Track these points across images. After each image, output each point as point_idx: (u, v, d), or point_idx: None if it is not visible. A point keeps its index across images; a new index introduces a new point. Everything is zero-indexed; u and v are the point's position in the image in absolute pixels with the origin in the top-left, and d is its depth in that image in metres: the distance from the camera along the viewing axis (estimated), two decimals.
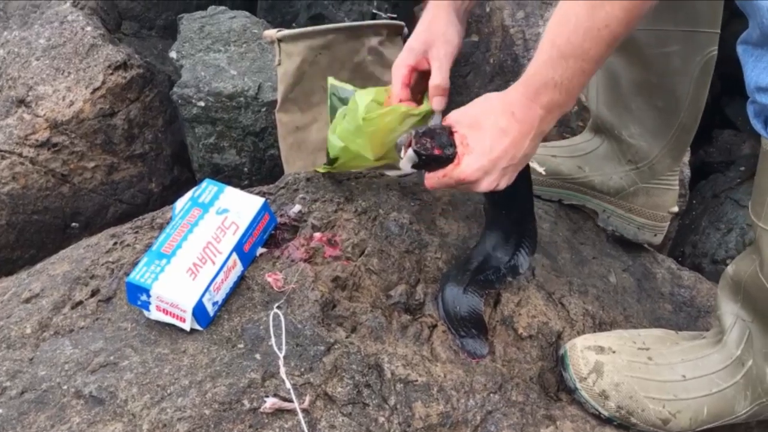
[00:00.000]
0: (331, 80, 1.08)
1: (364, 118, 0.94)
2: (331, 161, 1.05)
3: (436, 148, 0.88)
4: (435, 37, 0.97)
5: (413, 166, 0.91)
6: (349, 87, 1.04)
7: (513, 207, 1.00)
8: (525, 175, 0.95)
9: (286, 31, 1.30)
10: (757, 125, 0.76)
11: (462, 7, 1.01)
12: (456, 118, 0.89)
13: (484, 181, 0.86)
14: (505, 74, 1.63)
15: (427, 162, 0.89)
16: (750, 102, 0.76)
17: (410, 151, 0.89)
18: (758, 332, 0.88)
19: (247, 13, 1.78)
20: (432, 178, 0.90)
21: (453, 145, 0.88)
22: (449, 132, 0.89)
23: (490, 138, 0.84)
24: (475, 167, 0.85)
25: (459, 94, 1.71)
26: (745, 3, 0.69)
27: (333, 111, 1.07)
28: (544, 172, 1.18)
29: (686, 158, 1.56)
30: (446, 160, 0.88)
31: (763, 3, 0.67)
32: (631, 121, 1.11)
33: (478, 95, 1.65)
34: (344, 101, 1.04)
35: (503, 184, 0.88)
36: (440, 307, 0.96)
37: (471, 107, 0.89)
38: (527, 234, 1.01)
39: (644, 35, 1.02)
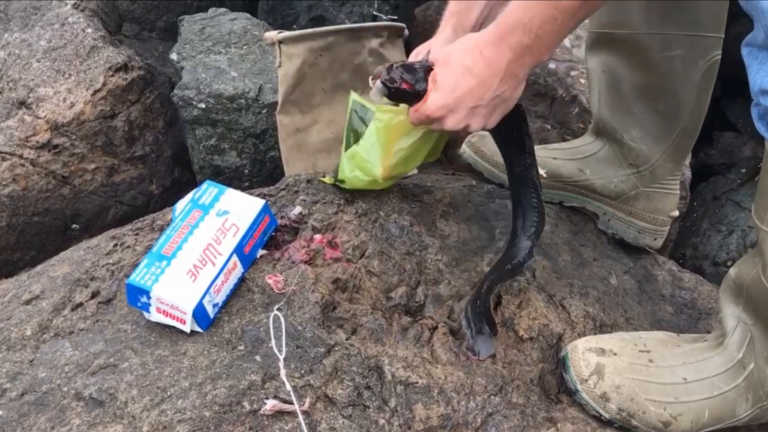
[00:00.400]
0: (354, 96, 1.08)
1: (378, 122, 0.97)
2: (339, 181, 1.06)
3: (405, 82, 0.89)
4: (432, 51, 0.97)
5: (387, 97, 0.93)
6: (371, 107, 1.04)
7: (511, 160, 1.02)
8: (517, 123, 0.97)
9: (286, 33, 1.30)
10: (761, 128, 0.76)
11: (466, 24, 1.01)
12: (435, 54, 0.91)
13: (449, 119, 0.88)
14: None
15: (397, 95, 0.91)
16: (754, 104, 0.75)
17: (378, 82, 0.91)
18: (760, 335, 0.87)
19: (248, 15, 1.78)
20: (410, 114, 0.92)
21: (426, 81, 0.89)
22: (427, 69, 0.90)
23: (455, 75, 0.86)
24: (439, 104, 0.87)
25: None
26: (750, 5, 0.69)
27: (350, 128, 1.07)
28: (545, 174, 1.18)
29: (687, 160, 1.56)
30: (415, 95, 0.90)
31: (765, 7, 0.67)
32: (632, 125, 1.11)
33: None
34: (365, 121, 1.05)
35: (476, 125, 0.89)
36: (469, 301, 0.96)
37: (451, 45, 0.90)
38: (533, 190, 1.01)
39: (648, 39, 1.02)
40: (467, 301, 0.97)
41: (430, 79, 0.89)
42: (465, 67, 0.85)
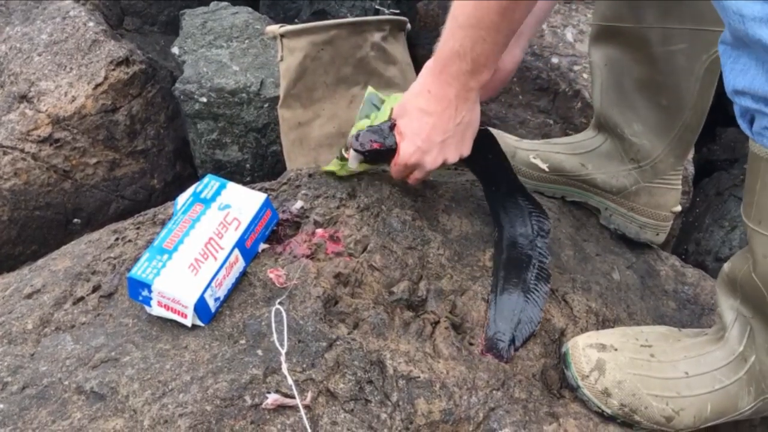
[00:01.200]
0: (370, 88, 1.11)
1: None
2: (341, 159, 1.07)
3: (375, 143, 0.97)
4: None
5: (365, 162, 1.01)
6: (384, 97, 1.08)
7: (496, 181, 1.07)
8: (489, 146, 1.05)
9: (288, 27, 1.30)
10: (743, 125, 0.76)
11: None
12: (395, 110, 0.98)
13: (425, 160, 0.94)
14: None
15: (372, 157, 0.99)
16: (734, 103, 0.75)
17: (351, 151, 0.99)
18: (759, 328, 0.87)
19: (250, 9, 1.77)
20: (392, 170, 1.00)
21: (393, 135, 0.96)
22: (392, 126, 0.97)
23: (415, 120, 0.93)
24: (411, 150, 0.94)
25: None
26: (717, 3, 0.69)
27: (361, 116, 1.08)
28: (546, 168, 1.18)
29: (690, 155, 1.56)
30: (388, 151, 0.97)
31: (729, 4, 0.66)
32: (634, 119, 1.10)
33: (490, 97, 1.65)
34: (378, 107, 1.08)
35: (452, 156, 0.95)
36: (494, 316, 0.96)
37: (403, 95, 0.97)
38: (523, 197, 1.06)
39: (650, 32, 1.02)
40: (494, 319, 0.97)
41: (396, 132, 0.96)
42: (420, 109, 0.92)
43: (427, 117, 0.92)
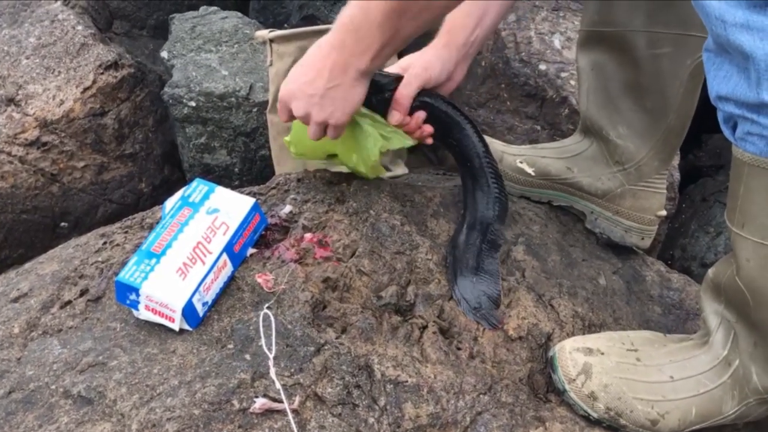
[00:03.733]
0: None
1: None
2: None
3: None
4: (414, 60, 1.04)
5: None
6: None
7: (464, 158, 1.08)
8: (457, 124, 1.07)
9: (278, 32, 1.30)
10: (726, 131, 0.77)
11: (459, 41, 1.04)
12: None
13: (294, 106, 0.97)
14: (496, 77, 1.63)
15: None
16: (717, 109, 0.76)
17: None
18: (743, 332, 0.88)
19: (239, 14, 1.78)
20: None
21: None
22: None
23: (297, 67, 0.97)
24: (284, 92, 0.98)
25: (450, 96, 1.72)
26: (698, 6, 0.70)
27: None
28: (533, 173, 1.19)
29: (675, 162, 1.57)
30: None
31: (711, 11, 0.68)
32: (619, 122, 1.11)
33: (469, 97, 1.67)
34: None
35: (317, 115, 0.96)
36: (459, 297, 1.00)
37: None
38: (494, 178, 1.07)
39: (636, 37, 1.03)
40: (461, 299, 0.99)
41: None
42: (305, 61, 0.96)
43: (304, 68, 0.95)
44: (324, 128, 0.98)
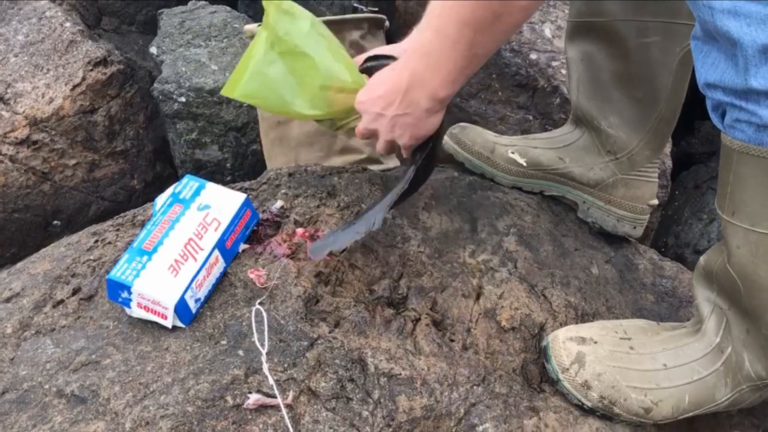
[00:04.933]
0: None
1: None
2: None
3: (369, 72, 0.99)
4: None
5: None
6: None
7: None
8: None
9: None
10: (715, 119, 0.77)
11: None
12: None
13: (364, 116, 0.96)
14: (487, 67, 1.63)
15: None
16: (706, 97, 0.76)
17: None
18: (735, 319, 0.89)
19: (228, 8, 1.77)
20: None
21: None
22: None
23: (375, 80, 0.95)
24: (359, 99, 0.95)
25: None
26: None
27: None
28: (524, 163, 1.19)
29: (668, 149, 1.57)
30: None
31: None
32: (610, 112, 1.12)
33: (470, 94, 1.66)
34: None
35: (382, 134, 0.95)
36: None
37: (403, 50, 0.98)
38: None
39: (624, 26, 1.03)
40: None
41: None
42: (384, 75, 0.93)
43: (381, 86, 0.92)
44: (392, 145, 0.98)
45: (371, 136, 0.98)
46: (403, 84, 0.89)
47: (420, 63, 0.87)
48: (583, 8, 1.07)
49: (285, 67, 0.96)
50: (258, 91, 0.96)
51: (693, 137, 2.11)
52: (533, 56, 1.58)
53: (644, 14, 1.01)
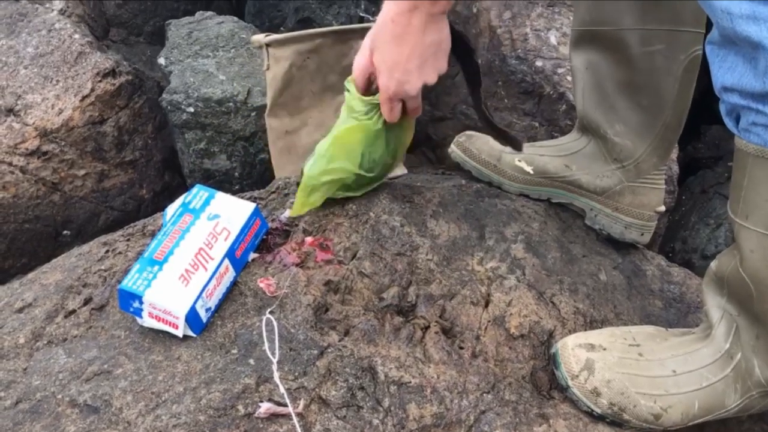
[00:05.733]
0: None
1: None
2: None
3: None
4: None
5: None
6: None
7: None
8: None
9: (273, 36, 1.31)
10: (729, 123, 0.78)
11: None
12: (369, 46, 0.97)
13: (408, 88, 0.94)
14: (493, 74, 1.64)
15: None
16: (720, 101, 0.77)
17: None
18: (745, 325, 0.89)
19: (235, 18, 1.78)
20: (383, 111, 0.99)
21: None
22: None
23: (387, 53, 0.93)
24: (391, 84, 0.94)
25: (447, 94, 1.72)
26: (705, 4, 0.71)
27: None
28: (531, 171, 1.19)
29: (674, 155, 1.57)
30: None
31: (717, 4, 0.68)
32: (616, 120, 1.12)
33: (467, 96, 1.67)
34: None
35: (431, 77, 0.94)
36: None
37: (371, 29, 0.96)
38: None
39: (629, 35, 1.03)
40: None
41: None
42: (388, 42, 0.91)
43: (396, 47, 0.91)
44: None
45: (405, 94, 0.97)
46: (415, 20, 0.88)
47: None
48: (587, 17, 1.08)
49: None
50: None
51: (699, 142, 2.11)
52: (539, 63, 1.59)
53: (648, 23, 1.02)
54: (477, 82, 1.07)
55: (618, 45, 1.05)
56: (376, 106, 1.00)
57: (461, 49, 1.02)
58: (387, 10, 0.90)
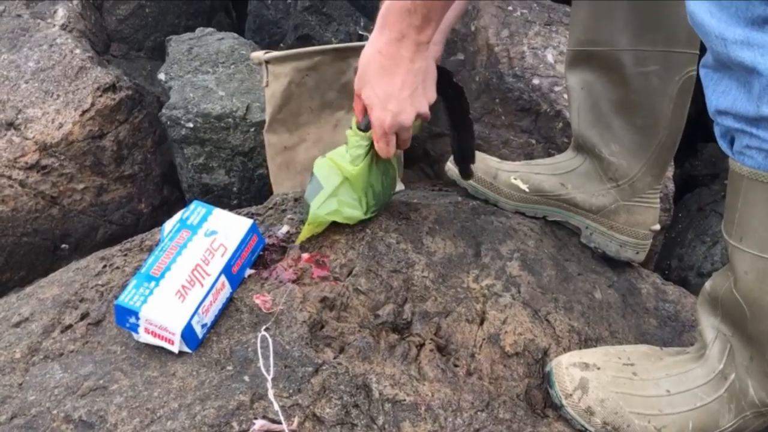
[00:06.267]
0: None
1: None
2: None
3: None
4: None
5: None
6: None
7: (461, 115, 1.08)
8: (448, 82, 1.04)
9: (273, 53, 1.32)
10: (723, 145, 0.78)
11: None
12: (356, 84, 0.98)
13: (403, 118, 0.95)
14: (490, 92, 1.65)
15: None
16: (715, 123, 0.78)
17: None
18: (739, 346, 0.89)
19: (235, 35, 1.79)
20: (377, 147, 1.00)
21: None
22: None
23: (377, 86, 0.93)
24: (385, 117, 0.94)
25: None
26: (698, 28, 0.72)
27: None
28: (527, 189, 1.20)
29: (670, 173, 1.58)
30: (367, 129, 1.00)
31: (711, 29, 0.69)
32: (611, 140, 1.13)
33: (473, 118, 1.68)
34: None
35: (423, 106, 0.96)
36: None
37: (358, 64, 0.96)
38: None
39: (624, 55, 1.05)
40: None
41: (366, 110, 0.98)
42: (378, 74, 0.92)
43: (387, 78, 0.92)
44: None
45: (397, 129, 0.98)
46: (403, 50, 0.90)
47: (412, 19, 0.88)
48: (583, 37, 1.09)
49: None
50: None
51: (696, 159, 2.12)
52: (536, 81, 1.60)
53: (643, 43, 1.03)
54: (466, 125, 1.08)
55: (613, 65, 1.06)
56: (371, 144, 1.02)
57: (450, 93, 1.04)
58: (374, 42, 0.92)
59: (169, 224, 1.00)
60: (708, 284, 0.93)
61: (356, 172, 1.02)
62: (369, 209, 1.07)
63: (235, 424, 0.79)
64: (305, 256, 1.02)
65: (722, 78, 0.74)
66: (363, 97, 0.96)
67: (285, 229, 1.06)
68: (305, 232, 1.04)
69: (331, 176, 1.04)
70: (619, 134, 1.12)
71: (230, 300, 0.95)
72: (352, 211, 1.04)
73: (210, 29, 1.80)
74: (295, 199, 1.14)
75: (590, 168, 1.18)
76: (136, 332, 0.88)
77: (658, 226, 1.20)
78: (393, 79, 0.92)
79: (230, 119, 1.55)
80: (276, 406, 0.80)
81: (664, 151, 1.12)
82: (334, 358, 0.89)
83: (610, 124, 1.12)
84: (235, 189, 1.61)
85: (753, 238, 0.80)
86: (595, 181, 1.18)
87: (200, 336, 0.89)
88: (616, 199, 1.17)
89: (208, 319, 0.90)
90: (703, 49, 1.04)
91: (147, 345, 0.89)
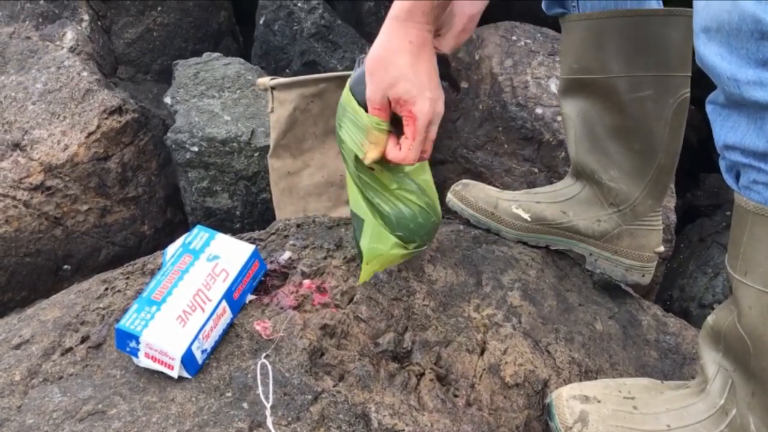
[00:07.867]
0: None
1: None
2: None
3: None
4: None
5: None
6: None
7: None
8: None
9: (279, 80, 1.33)
10: (729, 180, 0.79)
11: None
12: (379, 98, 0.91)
13: (440, 104, 0.90)
14: (494, 120, 1.66)
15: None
16: (721, 158, 0.78)
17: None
18: (741, 381, 0.88)
19: (241, 60, 1.81)
20: (408, 147, 0.91)
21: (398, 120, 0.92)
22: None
23: (414, 78, 0.87)
24: (428, 106, 0.88)
25: (449, 138, 1.75)
26: (709, 69, 0.73)
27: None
28: (529, 218, 1.20)
29: (672, 203, 1.59)
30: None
31: (723, 72, 0.70)
32: (610, 166, 1.14)
33: (467, 140, 1.69)
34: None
35: (441, 91, 0.92)
36: None
37: (373, 76, 0.90)
38: None
39: (618, 82, 1.06)
40: None
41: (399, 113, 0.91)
42: (411, 66, 0.87)
43: (421, 66, 0.87)
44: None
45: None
46: (420, 39, 0.87)
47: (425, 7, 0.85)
48: (575, 65, 1.10)
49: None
50: None
51: (698, 189, 2.12)
52: (539, 111, 1.61)
53: (636, 69, 1.04)
54: None
55: (607, 92, 1.07)
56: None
57: None
58: (397, 36, 0.87)
59: (172, 248, 1.01)
60: (710, 318, 0.93)
61: (410, 216, 0.98)
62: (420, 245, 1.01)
63: None
64: (307, 282, 1.02)
65: (731, 114, 0.75)
66: (399, 94, 0.88)
67: (287, 255, 1.07)
68: (364, 271, 0.99)
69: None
70: (617, 159, 1.13)
71: (231, 326, 0.95)
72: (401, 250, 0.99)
73: (217, 54, 1.82)
74: (298, 225, 1.14)
75: (590, 194, 1.19)
76: (136, 356, 0.88)
77: (662, 248, 1.20)
78: (425, 65, 0.88)
79: (235, 144, 1.56)
80: None
81: (663, 173, 1.13)
82: (334, 386, 0.89)
83: (607, 149, 1.13)
84: (238, 213, 1.62)
85: (758, 272, 0.80)
86: (596, 207, 1.18)
87: (200, 361, 0.89)
88: (618, 224, 1.18)
89: (209, 344, 0.90)
90: (695, 71, 1.05)
91: (146, 369, 0.89)
